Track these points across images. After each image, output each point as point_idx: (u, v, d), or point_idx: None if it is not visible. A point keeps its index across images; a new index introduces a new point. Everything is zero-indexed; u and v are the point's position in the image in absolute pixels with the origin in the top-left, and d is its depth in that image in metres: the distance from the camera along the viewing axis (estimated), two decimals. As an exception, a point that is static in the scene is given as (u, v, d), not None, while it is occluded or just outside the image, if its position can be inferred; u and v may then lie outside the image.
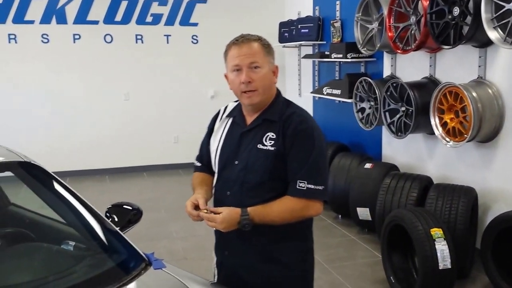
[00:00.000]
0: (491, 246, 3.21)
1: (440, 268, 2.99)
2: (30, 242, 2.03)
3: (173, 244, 4.25)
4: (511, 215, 3.13)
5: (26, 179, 2.15)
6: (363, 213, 4.26)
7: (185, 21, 6.77)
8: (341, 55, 5.13)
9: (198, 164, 1.96)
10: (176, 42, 6.75)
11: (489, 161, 3.65)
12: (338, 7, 5.55)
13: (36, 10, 6.18)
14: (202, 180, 1.91)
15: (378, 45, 4.48)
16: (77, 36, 6.40)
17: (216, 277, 1.93)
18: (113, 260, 1.90)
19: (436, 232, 3.08)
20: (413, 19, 3.92)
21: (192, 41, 6.83)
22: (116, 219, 2.17)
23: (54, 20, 6.29)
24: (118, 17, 6.51)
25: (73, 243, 1.97)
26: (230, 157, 1.80)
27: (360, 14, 4.78)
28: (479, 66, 3.61)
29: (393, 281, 3.33)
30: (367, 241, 4.25)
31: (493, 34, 3.16)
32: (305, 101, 6.18)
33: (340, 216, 4.81)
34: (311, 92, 6.03)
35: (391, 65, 4.64)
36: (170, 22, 6.71)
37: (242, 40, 1.73)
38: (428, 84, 4.04)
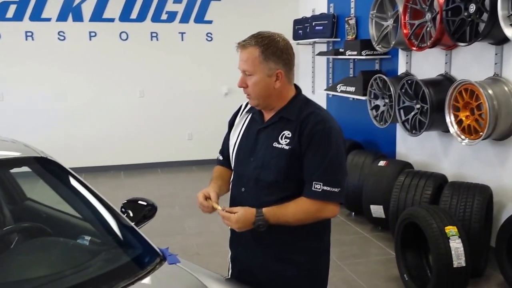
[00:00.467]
0: (506, 244, 3.18)
1: (455, 266, 2.97)
2: (47, 236, 2.06)
3: (186, 240, 4.28)
4: (528, 214, 3.09)
5: (43, 174, 2.19)
6: (377, 210, 4.25)
7: (199, 19, 6.80)
8: (355, 52, 5.10)
9: (220, 157, 1.98)
10: (191, 39, 6.78)
11: (504, 159, 3.60)
12: (352, 4, 5.52)
13: (52, 7, 6.27)
14: (220, 174, 1.93)
15: (393, 42, 4.44)
16: (93, 34, 6.48)
17: (230, 271, 1.94)
18: (128, 255, 1.92)
19: (451, 230, 3.06)
20: (428, 16, 3.88)
21: (206, 39, 6.85)
22: (131, 215, 2.20)
23: (70, 17, 6.37)
24: (134, 15, 6.57)
25: (88, 238, 2.00)
26: (246, 154, 1.80)
27: (375, 11, 4.75)
28: (495, 64, 3.56)
29: (407, 279, 3.31)
30: (380, 238, 4.24)
31: (509, 31, 3.12)
32: (319, 99, 6.16)
33: (353, 213, 4.80)
34: (325, 90, 6.01)
35: (406, 62, 4.60)
36: (185, 19, 6.75)
37: (240, 45, 1.72)
38: (444, 82, 4.00)
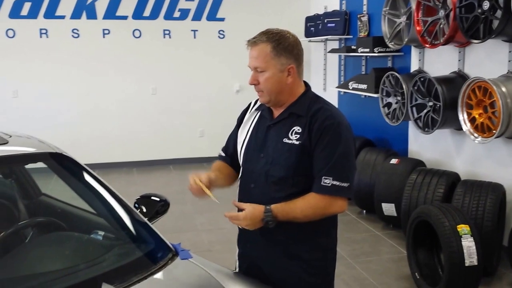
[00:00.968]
0: (520, 244, 3.15)
1: (466, 265, 2.95)
2: (61, 231, 2.09)
3: (198, 236, 4.31)
4: (541, 213, 3.06)
5: (57, 169, 2.21)
6: (388, 208, 4.23)
7: (212, 16, 6.81)
8: (367, 50, 5.07)
9: (222, 154, 1.99)
10: (203, 37, 6.80)
11: (519, 157, 3.57)
12: (365, 1, 5.49)
13: (67, 5, 6.33)
14: (218, 167, 1.93)
15: (406, 40, 4.41)
16: (106, 31, 6.53)
17: (237, 268, 1.95)
18: (141, 250, 1.95)
19: (463, 228, 3.04)
20: (442, 13, 3.85)
21: (219, 36, 6.87)
22: (144, 210, 2.22)
23: (84, 15, 6.42)
24: (147, 13, 6.61)
25: (102, 233, 2.03)
26: (256, 150, 1.81)
27: (387, 8, 4.71)
28: (509, 61, 3.52)
29: (418, 277, 3.30)
30: (391, 236, 4.22)
31: (525, 28, 3.08)
32: (330, 96, 6.14)
33: (364, 211, 4.79)
34: (337, 87, 5.99)
35: (419, 60, 4.57)
36: (197, 17, 6.77)
37: (250, 43, 1.74)
38: (457, 79, 3.97)
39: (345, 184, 1.69)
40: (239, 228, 1.89)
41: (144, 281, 1.70)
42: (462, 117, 3.69)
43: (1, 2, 6.15)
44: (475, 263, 2.96)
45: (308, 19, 6.54)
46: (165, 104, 6.75)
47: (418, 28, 4.10)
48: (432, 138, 4.43)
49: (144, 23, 6.61)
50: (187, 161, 6.86)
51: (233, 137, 1.96)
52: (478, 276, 3.03)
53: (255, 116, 1.88)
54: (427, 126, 4.08)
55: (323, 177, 1.68)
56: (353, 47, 5.49)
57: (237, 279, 1.86)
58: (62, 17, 6.36)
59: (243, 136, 1.88)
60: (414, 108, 4.21)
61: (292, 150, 1.72)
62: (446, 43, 3.84)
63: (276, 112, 1.82)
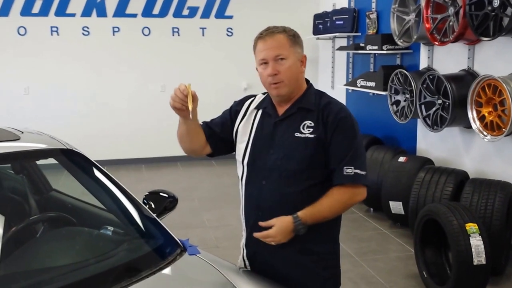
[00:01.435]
0: (529, 243, 3.13)
1: (475, 263, 2.94)
2: (71, 226, 2.11)
3: (205, 233, 4.34)
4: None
5: (68, 165, 2.24)
6: (396, 206, 4.22)
7: (220, 14, 6.83)
8: (376, 47, 5.06)
9: (207, 122, 1.96)
10: (212, 34, 6.82)
11: (529, 156, 3.54)
12: (374, -2, 5.48)
13: (77, 3, 6.38)
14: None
15: (415, 37, 4.39)
16: (116, 29, 6.57)
17: (248, 268, 1.93)
18: (149, 246, 1.96)
19: (471, 227, 3.03)
20: (451, 10, 3.82)
21: (227, 34, 6.88)
22: (153, 206, 2.23)
23: (94, 13, 6.47)
24: (156, 10, 6.64)
25: (112, 228, 2.05)
26: (263, 148, 1.80)
27: (396, 5, 4.69)
28: (520, 58, 3.50)
29: (426, 276, 3.30)
30: (399, 235, 4.21)
31: (535, 25, 3.06)
32: (338, 94, 6.14)
33: (372, 209, 4.78)
34: (345, 85, 5.98)
35: (428, 57, 4.54)
36: (206, 14, 6.79)
37: (267, 33, 1.74)
38: (466, 77, 3.94)
39: (364, 172, 1.74)
40: (247, 228, 1.87)
41: (153, 276, 1.71)
42: (472, 115, 3.67)
43: (12, 0, 6.22)
44: (483, 262, 2.94)
45: (317, 17, 6.53)
46: (174, 101, 6.76)
47: (427, 25, 4.08)
48: (440, 136, 4.41)
49: (153, 21, 6.64)
50: (195, 159, 6.87)
51: (226, 124, 1.92)
52: (486, 275, 3.01)
53: (256, 115, 1.87)
54: (436, 124, 4.06)
55: (345, 167, 1.71)
56: (361, 44, 5.47)
57: (244, 275, 1.87)
58: (73, 15, 6.41)
59: (246, 136, 1.86)
60: (423, 106, 4.20)
61: (307, 144, 1.73)
62: (455, 40, 3.82)
63: (281, 109, 1.82)
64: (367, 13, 5.51)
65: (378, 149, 4.79)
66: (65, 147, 2.16)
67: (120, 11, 6.53)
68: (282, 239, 1.69)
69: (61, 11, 6.38)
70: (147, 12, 6.62)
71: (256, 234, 1.71)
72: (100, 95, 6.60)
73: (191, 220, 4.60)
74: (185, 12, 6.72)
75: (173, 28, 6.72)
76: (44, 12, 6.33)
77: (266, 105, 1.85)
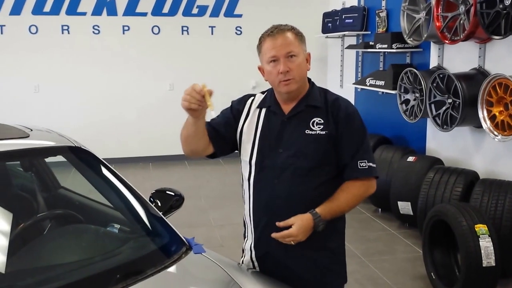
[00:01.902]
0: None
1: (484, 265, 2.91)
2: (78, 223, 2.13)
3: (211, 232, 4.34)
4: (563, 213, 2.99)
5: (76, 163, 2.25)
6: (404, 207, 4.19)
7: (229, 13, 6.83)
8: (386, 45, 5.02)
9: (213, 120, 1.87)
10: (221, 33, 6.83)
11: (540, 157, 3.49)
12: (384, -3, 5.44)
13: (88, 2, 6.43)
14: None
15: (425, 35, 4.35)
16: (126, 28, 6.60)
17: (257, 269, 1.91)
18: (155, 244, 1.97)
19: (481, 228, 2.99)
20: (462, 8, 3.78)
21: (236, 32, 6.88)
22: (159, 204, 2.24)
23: (105, 12, 6.51)
24: (166, 9, 6.66)
25: (118, 226, 2.05)
26: (272, 147, 1.79)
27: (407, 4, 4.66)
28: (532, 57, 3.45)
29: (434, 277, 3.27)
30: (407, 236, 4.18)
31: (548, 24, 3.01)
32: (347, 92, 6.10)
33: (380, 209, 4.75)
34: (354, 83, 5.95)
35: (438, 56, 4.50)
36: (215, 13, 6.79)
37: (277, 31, 1.74)
38: (477, 76, 3.90)
39: (375, 165, 1.77)
40: (256, 229, 1.84)
41: (158, 274, 1.71)
42: (482, 114, 3.63)
43: (25, -2, 6.29)
44: (493, 264, 2.91)
45: (326, 15, 6.50)
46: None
47: (437, 23, 4.04)
48: (450, 136, 4.36)
49: (163, 20, 6.67)
50: (202, 157, 6.88)
51: (230, 124, 1.87)
52: (496, 277, 2.98)
53: (259, 114, 1.85)
54: (446, 123, 4.02)
55: (359, 161, 1.74)
56: (371, 43, 5.44)
57: (249, 274, 1.87)
58: (84, 13, 6.45)
59: (251, 135, 1.83)
60: (432, 105, 4.16)
61: (319, 140, 1.74)
62: (466, 39, 3.77)
63: (287, 107, 1.81)
64: (377, 11, 5.47)
65: (387, 149, 4.76)
66: (73, 145, 2.16)
67: (130, 10, 6.57)
68: (303, 237, 1.68)
69: (72, 10, 6.43)
70: (157, 11, 6.64)
71: (276, 235, 1.69)
72: (109, 93, 6.64)
73: (197, 219, 4.61)
74: (195, 11, 6.74)
75: (182, 27, 6.74)
76: (55, 11, 6.38)
77: (270, 103, 1.84)
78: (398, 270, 3.57)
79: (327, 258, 1.82)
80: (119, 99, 6.69)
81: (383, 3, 5.43)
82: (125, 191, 2.10)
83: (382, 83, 5.11)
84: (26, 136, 2.12)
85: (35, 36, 6.38)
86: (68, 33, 6.47)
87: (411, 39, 4.67)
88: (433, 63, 4.62)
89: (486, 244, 2.93)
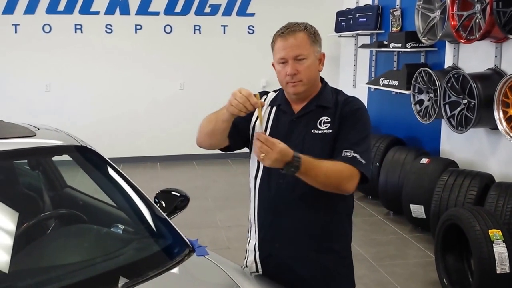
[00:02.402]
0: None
1: (498, 272, 2.84)
2: (82, 223, 2.11)
3: (217, 233, 4.30)
4: None
5: (81, 162, 2.24)
6: (417, 210, 4.11)
7: (242, 12, 6.80)
8: (400, 45, 4.95)
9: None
10: (233, 32, 6.80)
11: (558, 160, 3.39)
12: (398, -5, 5.35)
13: (101, 1, 6.46)
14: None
15: (440, 34, 4.27)
16: (138, 27, 6.62)
17: (260, 271, 1.88)
18: (158, 245, 1.95)
19: (495, 233, 2.92)
20: (478, 7, 3.69)
21: (248, 31, 6.85)
22: (164, 205, 2.22)
23: (117, 11, 6.54)
24: (178, 8, 6.67)
25: (122, 227, 2.04)
26: None
27: (421, 2, 4.58)
28: (551, 57, 3.35)
29: (446, 283, 3.20)
30: (419, 240, 4.10)
31: None
32: (360, 92, 6.03)
33: (392, 212, 4.67)
34: (367, 83, 5.87)
35: (453, 56, 4.41)
36: (227, 12, 6.77)
37: (288, 31, 1.71)
38: (493, 76, 3.81)
39: (364, 161, 1.68)
40: (262, 229, 1.82)
41: (160, 276, 1.69)
42: (498, 115, 3.54)
43: (39, -2, 6.34)
44: (507, 270, 2.84)
45: (339, 14, 6.44)
46: (192, 99, 6.76)
47: (453, 22, 3.96)
48: (465, 138, 4.27)
49: (175, 19, 6.67)
50: (211, 157, 6.85)
51: (246, 118, 1.81)
52: (510, 284, 2.90)
53: (270, 112, 1.84)
54: (461, 124, 3.94)
55: (344, 150, 1.68)
56: (384, 42, 5.37)
57: (251, 277, 1.84)
58: (97, 12, 6.48)
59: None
60: (447, 106, 4.08)
61: (325, 139, 1.72)
62: (482, 38, 3.69)
63: (297, 106, 1.79)
64: (391, 10, 5.39)
65: (399, 150, 4.68)
66: (80, 144, 2.16)
67: (143, 9, 6.59)
68: (274, 161, 1.55)
69: (86, 9, 6.46)
70: (170, 10, 6.65)
71: (260, 136, 1.56)
72: (120, 92, 6.66)
73: (204, 220, 4.58)
74: (207, 9, 6.72)
75: (194, 26, 6.73)
76: (69, 10, 6.42)
77: (280, 102, 1.83)
78: (409, 275, 3.50)
79: (333, 260, 1.79)
80: (131, 98, 6.70)
81: (398, 2, 5.35)
82: (130, 191, 2.08)
83: (395, 83, 5.04)
84: (33, 135, 2.12)
85: (49, 35, 6.43)
86: (81, 32, 6.51)
87: (426, 38, 4.59)
88: (448, 62, 4.53)
89: (500, 250, 2.86)
